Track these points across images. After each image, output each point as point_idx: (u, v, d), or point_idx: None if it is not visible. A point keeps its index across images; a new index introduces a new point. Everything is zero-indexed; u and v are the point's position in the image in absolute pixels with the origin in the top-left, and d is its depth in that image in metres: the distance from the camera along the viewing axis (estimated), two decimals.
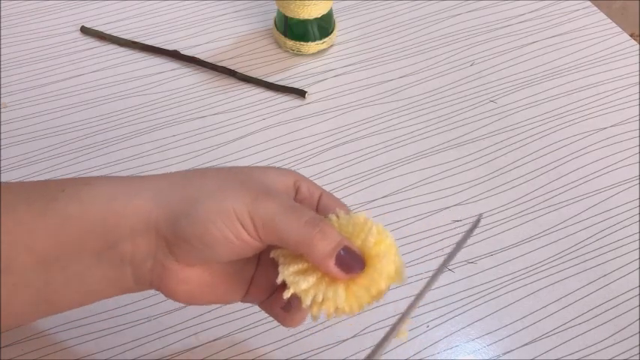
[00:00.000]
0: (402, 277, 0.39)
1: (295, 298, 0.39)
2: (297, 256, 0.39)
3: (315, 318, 0.39)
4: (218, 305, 0.53)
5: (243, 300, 0.44)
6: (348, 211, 0.42)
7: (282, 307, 0.43)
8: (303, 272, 0.39)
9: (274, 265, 0.41)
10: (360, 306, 0.38)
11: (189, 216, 0.39)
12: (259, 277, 0.43)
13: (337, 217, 0.40)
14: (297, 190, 0.42)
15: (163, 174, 0.42)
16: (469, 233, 0.42)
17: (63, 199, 0.40)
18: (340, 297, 0.38)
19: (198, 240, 0.39)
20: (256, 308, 0.52)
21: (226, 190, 0.39)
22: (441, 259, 0.56)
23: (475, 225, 0.41)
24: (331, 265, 0.38)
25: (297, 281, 0.38)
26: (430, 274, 0.55)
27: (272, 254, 0.40)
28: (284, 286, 0.39)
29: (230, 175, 0.41)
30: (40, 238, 0.39)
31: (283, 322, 0.44)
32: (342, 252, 0.38)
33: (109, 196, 0.40)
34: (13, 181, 0.60)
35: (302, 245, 0.38)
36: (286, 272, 0.39)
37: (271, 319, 0.52)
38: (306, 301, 0.38)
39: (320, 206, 0.43)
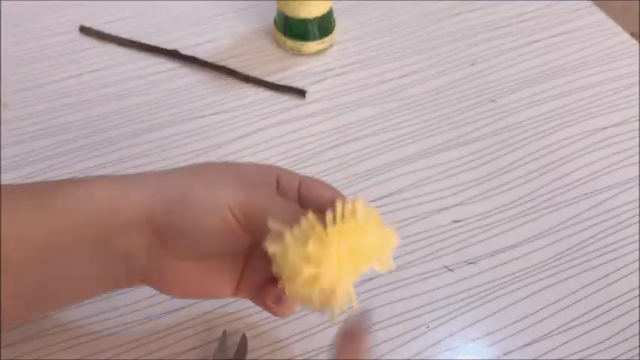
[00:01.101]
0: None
1: (284, 292, 0.39)
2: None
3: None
4: (217, 305, 0.53)
5: (234, 295, 0.46)
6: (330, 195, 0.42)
7: (274, 300, 0.45)
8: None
9: (262, 263, 0.43)
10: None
11: (182, 205, 0.40)
12: (248, 275, 0.45)
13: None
14: (277, 184, 0.44)
15: (160, 170, 0.44)
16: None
17: (60, 196, 0.41)
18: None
19: (191, 229, 0.40)
20: (255, 309, 0.53)
21: (220, 183, 0.41)
22: (441, 260, 0.56)
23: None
24: None
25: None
26: (429, 274, 0.55)
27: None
28: (273, 281, 0.42)
29: (222, 169, 0.43)
30: (37, 234, 0.40)
31: (275, 313, 0.46)
32: None
33: (106, 192, 0.41)
34: (12, 181, 0.60)
35: None
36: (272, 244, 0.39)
37: (272, 319, 0.52)
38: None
39: (300, 196, 0.44)
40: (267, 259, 0.40)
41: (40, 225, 0.40)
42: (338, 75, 0.71)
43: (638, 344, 0.52)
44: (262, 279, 0.45)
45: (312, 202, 0.43)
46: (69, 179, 0.44)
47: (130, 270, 0.42)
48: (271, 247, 0.38)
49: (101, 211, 0.41)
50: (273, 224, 0.38)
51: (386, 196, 0.60)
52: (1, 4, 0.76)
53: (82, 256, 0.41)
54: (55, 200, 0.41)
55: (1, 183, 0.44)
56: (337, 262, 0.37)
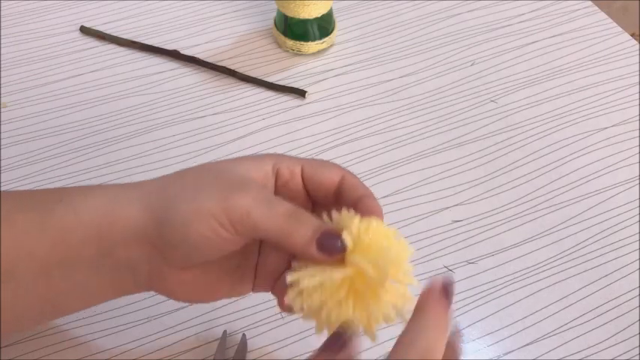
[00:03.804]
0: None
1: None
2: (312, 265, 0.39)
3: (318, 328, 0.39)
4: (217, 306, 0.53)
5: (254, 290, 0.44)
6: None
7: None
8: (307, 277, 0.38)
9: (274, 254, 0.43)
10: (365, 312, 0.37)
11: (169, 221, 0.39)
12: (263, 266, 0.44)
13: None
14: (276, 175, 0.42)
15: (156, 178, 0.42)
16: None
17: (59, 211, 0.40)
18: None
19: (182, 243, 0.39)
20: (255, 309, 0.53)
21: (200, 189, 0.39)
22: (441, 260, 0.56)
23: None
24: (313, 250, 0.37)
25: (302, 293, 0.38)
26: (429, 274, 0.55)
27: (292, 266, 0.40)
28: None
29: (204, 171, 0.41)
30: (41, 250, 0.40)
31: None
32: (322, 236, 0.38)
33: (103, 205, 0.40)
34: (12, 181, 0.60)
35: (280, 236, 0.38)
36: (289, 278, 0.38)
37: (272, 319, 0.52)
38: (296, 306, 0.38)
39: (305, 182, 0.42)
40: (276, 249, 0.40)
41: (41, 241, 0.40)
42: (338, 75, 0.71)
43: (638, 344, 0.52)
44: (277, 269, 0.43)
45: (318, 187, 0.41)
46: (65, 189, 0.43)
47: (135, 279, 0.42)
48: (294, 302, 0.38)
49: (100, 226, 0.40)
50: (289, 277, 0.38)
51: (386, 196, 0.60)
52: (1, 4, 0.76)
53: (85, 269, 0.41)
54: (54, 215, 0.40)
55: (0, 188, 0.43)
56: (361, 296, 0.37)
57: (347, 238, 0.37)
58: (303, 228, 0.38)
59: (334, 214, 0.40)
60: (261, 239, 0.40)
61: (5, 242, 0.40)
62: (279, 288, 0.43)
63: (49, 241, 0.40)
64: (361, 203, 0.40)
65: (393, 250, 0.37)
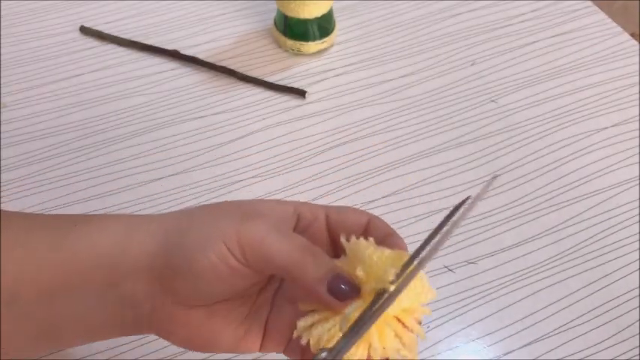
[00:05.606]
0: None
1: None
2: (319, 309, 0.37)
3: None
4: None
5: (263, 349, 0.41)
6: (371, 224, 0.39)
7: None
8: (320, 322, 0.36)
9: (288, 308, 0.40)
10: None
11: (179, 246, 0.37)
12: (275, 321, 0.41)
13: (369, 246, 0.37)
14: (298, 217, 0.40)
15: (175, 211, 0.41)
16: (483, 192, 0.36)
17: (75, 234, 0.39)
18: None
19: (188, 269, 0.37)
20: None
21: (217, 216, 0.38)
22: (441, 260, 0.56)
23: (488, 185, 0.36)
24: (323, 291, 0.35)
25: (311, 329, 0.36)
26: (429, 274, 0.55)
27: (300, 307, 0.38)
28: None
29: (226, 203, 0.40)
30: (48, 272, 0.39)
31: None
32: (334, 278, 0.36)
33: (119, 233, 0.39)
34: (12, 181, 0.60)
35: (292, 268, 0.36)
36: (302, 323, 0.37)
37: None
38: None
39: (330, 228, 0.40)
40: (292, 304, 0.39)
41: (50, 265, 0.39)
42: (338, 75, 0.71)
43: (638, 344, 0.52)
44: (290, 327, 0.39)
45: (345, 231, 0.39)
46: (80, 215, 0.43)
47: (136, 318, 0.40)
48: (303, 336, 0.37)
49: (110, 254, 0.39)
50: (301, 323, 0.37)
51: (386, 196, 0.60)
52: (1, 4, 0.76)
53: (89, 297, 0.39)
54: (68, 237, 0.39)
55: (10, 210, 0.43)
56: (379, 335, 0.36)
57: (360, 273, 0.35)
58: (317, 265, 0.36)
59: (352, 239, 0.37)
60: (270, 271, 0.38)
61: (13, 265, 0.39)
62: (292, 349, 0.41)
63: (58, 262, 0.39)
64: (385, 242, 0.38)
65: (407, 290, 0.35)
